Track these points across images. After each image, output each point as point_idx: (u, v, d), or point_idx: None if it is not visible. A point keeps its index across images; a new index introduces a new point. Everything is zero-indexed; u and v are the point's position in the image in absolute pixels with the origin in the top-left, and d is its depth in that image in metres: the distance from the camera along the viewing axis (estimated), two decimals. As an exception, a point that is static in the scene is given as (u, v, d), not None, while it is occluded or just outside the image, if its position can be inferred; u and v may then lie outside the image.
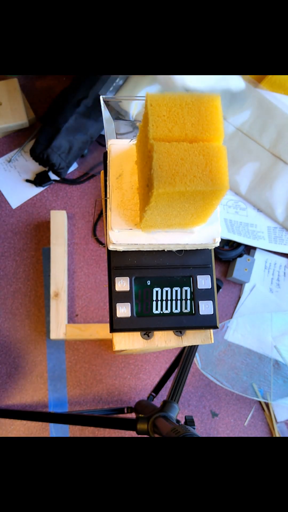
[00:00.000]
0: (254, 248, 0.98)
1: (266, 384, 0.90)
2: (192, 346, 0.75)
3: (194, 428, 0.56)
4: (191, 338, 0.45)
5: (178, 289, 0.44)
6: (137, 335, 0.45)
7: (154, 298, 0.44)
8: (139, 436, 0.62)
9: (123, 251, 0.44)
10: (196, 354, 0.90)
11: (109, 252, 0.44)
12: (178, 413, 0.64)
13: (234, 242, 0.95)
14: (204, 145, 0.35)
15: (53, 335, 0.87)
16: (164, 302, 0.44)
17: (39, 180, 0.96)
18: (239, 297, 0.97)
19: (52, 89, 1.02)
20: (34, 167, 0.97)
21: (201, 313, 0.44)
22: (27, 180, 0.96)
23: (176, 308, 0.44)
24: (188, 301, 0.44)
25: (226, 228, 0.94)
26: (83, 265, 0.95)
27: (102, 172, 0.47)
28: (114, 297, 0.43)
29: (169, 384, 0.83)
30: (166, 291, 0.44)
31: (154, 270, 0.44)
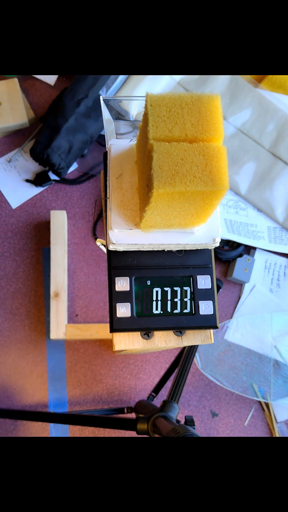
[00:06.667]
0: (254, 248, 0.98)
1: (266, 384, 0.90)
2: (192, 346, 0.75)
3: (194, 428, 0.56)
4: (191, 338, 0.45)
5: (178, 289, 0.44)
6: (137, 335, 0.45)
7: (154, 298, 0.44)
8: (139, 436, 0.62)
9: (123, 251, 0.44)
10: (196, 354, 0.90)
11: (109, 252, 0.44)
12: (178, 413, 0.64)
13: (234, 242, 0.95)
14: (204, 145, 0.35)
15: (53, 335, 0.87)
16: (164, 302, 0.44)
17: (39, 180, 0.96)
18: (239, 297, 0.97)
19: (52, 89, 1.02)
20: (34, 167, 0.97)
21: (201, 313, 0.44)
22: (27, 180, 0.96)
23: (176, 308, 0.44)
24: (188, 301, 0.44)
25: (226, 228, 0.94)
26: (83, 265, 0.95)
27: (102, 172, 0.47)
28: (114, 297, 0.43)
29: (169, 384, 0.83)
30: (166, 291, 0.44)
31: (154, 270, 0.44)
